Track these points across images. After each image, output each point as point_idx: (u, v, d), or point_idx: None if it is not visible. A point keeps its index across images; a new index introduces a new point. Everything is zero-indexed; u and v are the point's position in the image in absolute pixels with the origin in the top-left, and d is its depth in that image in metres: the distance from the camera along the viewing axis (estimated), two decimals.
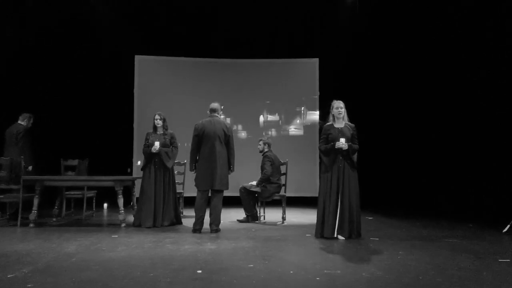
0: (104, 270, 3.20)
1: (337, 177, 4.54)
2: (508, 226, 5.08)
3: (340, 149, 4.54)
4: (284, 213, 6.06)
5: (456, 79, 7.27)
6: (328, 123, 4.76)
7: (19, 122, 6.49)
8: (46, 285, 2.81)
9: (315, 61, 9.09)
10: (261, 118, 9.03)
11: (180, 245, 4.23)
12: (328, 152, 4.62)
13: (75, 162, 6.53)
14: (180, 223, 5.73)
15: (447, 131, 7.48)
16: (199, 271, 3.17)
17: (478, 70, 6.82)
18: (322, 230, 4.58)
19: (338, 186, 4.54)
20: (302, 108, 9.06)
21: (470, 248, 4.13)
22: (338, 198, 4.53)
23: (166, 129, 5.70)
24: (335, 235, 4.51)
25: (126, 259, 3.57)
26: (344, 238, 4.48)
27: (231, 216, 6.46)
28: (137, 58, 8.88)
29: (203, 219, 5.13)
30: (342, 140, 4.53)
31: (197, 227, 5.08)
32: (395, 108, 8.35)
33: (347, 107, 4.76)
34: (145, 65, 8.93)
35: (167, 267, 3.29)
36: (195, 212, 5.13)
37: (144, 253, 3.82)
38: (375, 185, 7.97)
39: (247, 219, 6.08)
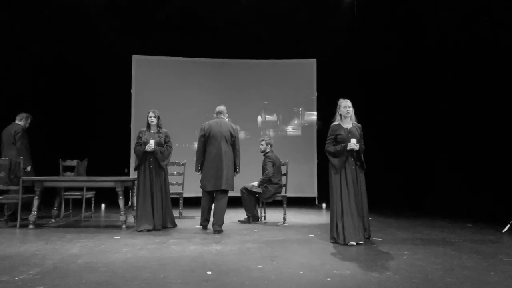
0: (113, 272, 3.18)
1: (352, 179, 4.39)
2: (508, 226, 5.15)
3: (352, 150, 4.41)
4: (285, 213, 6.07)
5: (457, 77, 7.28)
6: (335, 123, 4.59)
7: (16, 122, 6.43)
8: (58, 287, 2.78)
9: (313, 61, 9.14)
10: (259, 119, 9.04)
11: (185, 246, 4.21)
12: (338, 154, 4.43)
13: (74, 162, 6.48)
14: (175, 225, 5.58)
15: (445, 131, 7.53)
16: (209, 272, 3.16)
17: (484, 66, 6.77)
18: (343, 235, 4.30)
19: (355, 189, 4.39)
20: (300, 108, 9.08)
21: (473, 248, 4.17)
22: (359, 201, 4.40)
23: (160, 128, 5.48)
24: (364, 240, 4.34)
25: (133, 261, 3.54)
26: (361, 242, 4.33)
27: (231, 217, 6.44)
28: (135, 57, 8.84)
29: (210, 215, 5.30)
30: (354, 140, 4.38)
31: (205, 224, 5.30)
32: (393, 107, 8.40)
33: None
34: (142, 65, 8.89)
35: (176, 269, 3.28)
36: (201, 210, 5.29)
37: (150, 255, 3.80)
38: (370, 185, 8.00)
39: (248, 220, 6.08)
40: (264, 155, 6.24)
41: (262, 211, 6.27)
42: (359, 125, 4.64)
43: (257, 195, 6.09)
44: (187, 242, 4.43)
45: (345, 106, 4.54)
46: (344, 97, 4.69)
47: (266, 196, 6.00)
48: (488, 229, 5.33)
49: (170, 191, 5.72)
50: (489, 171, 6.66)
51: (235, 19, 8.55)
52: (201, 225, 5.34)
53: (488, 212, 6.44)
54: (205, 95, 8.73)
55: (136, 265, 3.38)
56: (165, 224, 5.36)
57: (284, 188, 6.18)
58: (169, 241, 4.49)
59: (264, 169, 6.09)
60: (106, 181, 5.47)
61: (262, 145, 6.29)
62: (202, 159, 5.21)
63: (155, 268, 3.29)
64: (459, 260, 3.61)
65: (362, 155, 4.55)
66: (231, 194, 5.36)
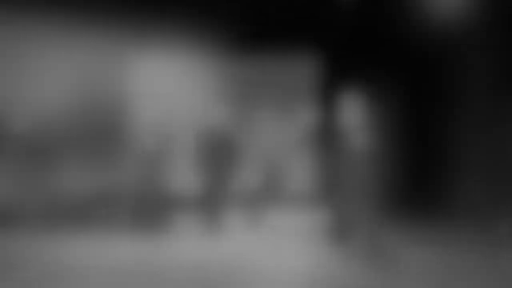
0: (116, 272, 3.17)
1: (358, 177, 4.31)
2: (508, 225, 5.17)
3: (355, 146, 4.33)
4: (285, 213, 6.09)
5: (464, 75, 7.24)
6: (338, 118, 4.59)
7: None
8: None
9: (313, 57, 9.11)
10: (258, 118, 9.02)
11: (186, 246, 4.21)
12: (342, 151, 4.38)
13: None
14: (169, 226, 5.51)
15: (445, 131, 7.52)
16: (214, 272, 3.15)
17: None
18: (346, 234, 4.33)
19: (360, 187, 4.34)
20: (300, 107, 9.06)
21: (474, 247, 4.18)
22: (364, 200, 4.39)
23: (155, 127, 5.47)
24: (367, 240, 4.31)
25: (135, 261, 3.53)
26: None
27: (232, 217, 6.44)
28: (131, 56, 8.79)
29: (211, 218, 5.25)
30: (356, 135, 4.32)
31: (208, 225, 5.26)
32: (396, 104, 8.35)
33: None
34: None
35: (179, 268, 3.27)
36: (204, 212, 5.31)
37: (152, 255, 3.79)
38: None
39: (250, 220, 6.08)
40: (264, 155, 6.24)
41: (262, 211, 6.27)
42: (364, 119, 4.55)
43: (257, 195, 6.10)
44: (188, 242, 4.43)
45: (348, 103, 4.52)
46: (345, 95, 4.68)
47: (267, 196, 6.01)
48: (488, 229, 5.35)
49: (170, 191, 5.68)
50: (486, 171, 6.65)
51: (234, 18, 8.51)
52: (203, 225, 5.32)
53: (488, 212, 6.45)
54: (204, 94, 8.69)
55: (139, 265, 3.37)
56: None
57: (283, 188, 6.18)
58: (170, 241, 4.49)
59: (264, 169, 6.09)
60: None
61: (263, 145, 6.30)
62: (201, 162, 5.24)
63: (158, 268, 3.27)
64: (461, 259, 3.62)
65: (368, 150, 4.47)
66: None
